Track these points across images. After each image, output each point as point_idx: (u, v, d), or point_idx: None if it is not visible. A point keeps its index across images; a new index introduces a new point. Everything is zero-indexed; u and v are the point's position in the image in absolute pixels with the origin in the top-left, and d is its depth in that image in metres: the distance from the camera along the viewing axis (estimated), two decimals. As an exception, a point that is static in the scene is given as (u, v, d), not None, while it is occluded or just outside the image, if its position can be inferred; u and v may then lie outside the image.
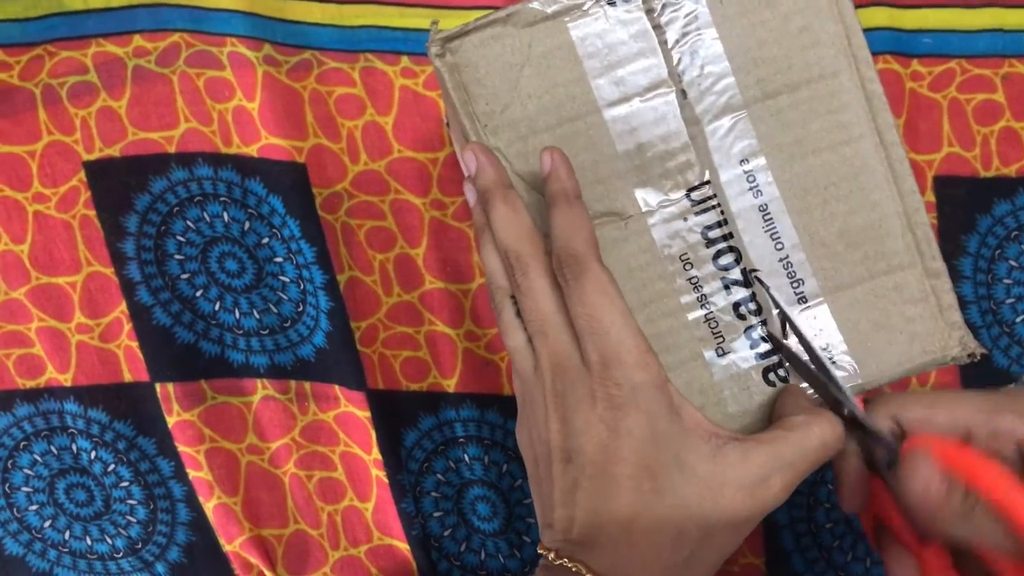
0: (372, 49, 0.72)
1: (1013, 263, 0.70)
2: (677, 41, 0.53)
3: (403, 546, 0.74)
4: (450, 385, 0.73)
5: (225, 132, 0.72)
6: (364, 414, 0.72)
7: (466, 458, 0.73)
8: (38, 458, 0.75)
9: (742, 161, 0.54)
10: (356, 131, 0.72)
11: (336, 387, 0.73)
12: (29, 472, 0.75)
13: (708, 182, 0.54)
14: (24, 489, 0.75)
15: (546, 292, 0.50)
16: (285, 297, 0.73)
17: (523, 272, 0.50)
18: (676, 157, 0.53)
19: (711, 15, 0.53)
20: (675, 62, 0.53)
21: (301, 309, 0.73)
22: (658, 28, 0.53)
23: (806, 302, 0.54)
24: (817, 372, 0.53)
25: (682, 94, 0.53)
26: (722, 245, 0.54)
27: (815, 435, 0.49)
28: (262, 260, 0.73)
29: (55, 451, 0.75)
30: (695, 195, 0.54)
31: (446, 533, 0.74)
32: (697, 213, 0.54)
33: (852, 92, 0.53)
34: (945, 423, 0.49)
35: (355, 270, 0.72)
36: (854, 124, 0.53)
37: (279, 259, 0.72)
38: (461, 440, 0.73)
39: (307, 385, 0.74)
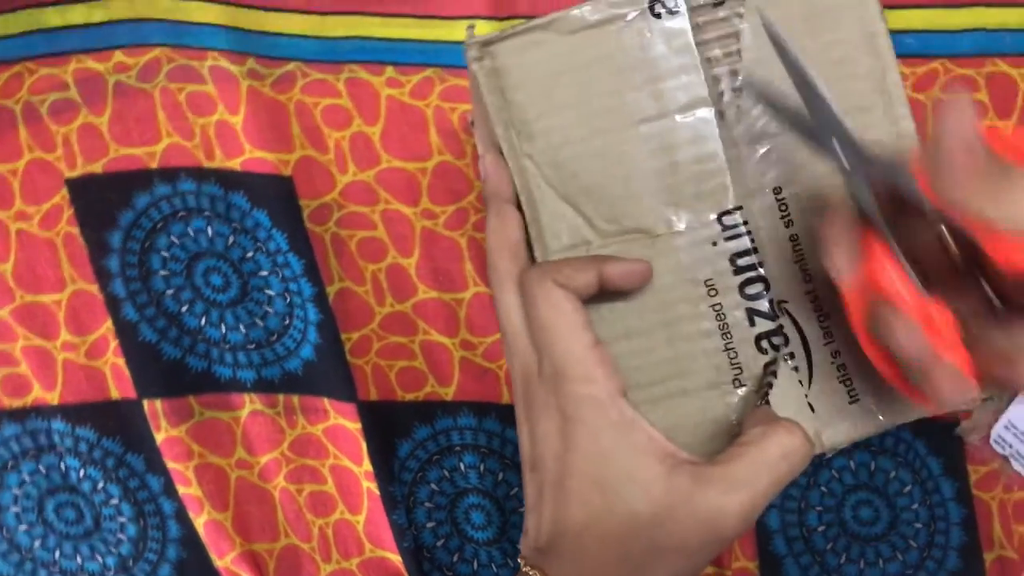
0: (356, 60, 0.71)
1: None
2: (718, 60, 0.52)
3: (395, 558, 0.74)
4: (448, 393, 0.73)
5: (207, 146, 0.71)
6: (354, 426, 0.72)
7: (461, 467, 0.73)
8: (26, 478, 0.74)
9: (775, 189, 0.53)
10: (343, 142, 0.71)
11: (324, 399, 0.73)
12: (17, 492, 0.75)
13: (740, 208, 0.53)
14: (13, 509, 0.75)
15: (514, 307, 0.51)
16: (271, 311, 0.73)
17: (498, 286, 0.51)
18: (711, 179, 0.53)
19: (753, 38, 0.52)
20: (714, 81, 0.53)
21: (288, 322, 0.72)
22: (701, 44, 0.52)
23: (831, 338, 0.54)
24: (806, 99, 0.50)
25: (719, 115, 0.53)
26: (751, 274, 0.53)
27: (773, 445, 0.47)
28: (247, 274, 0.72)
29: (43, 470, 0.74)
30: (727, 220, 0.53)
31: (439, 543, 0.74)
32: (727, 239, 0.53)
33: (884, 128, 0.53)
34: None
35: (346, 281, 0.72)
36: None
37: (264, 273, 0.72)
38: (457, 448, 0.73)
39: (295, 399, 0.74)
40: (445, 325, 0.72)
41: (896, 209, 0.47)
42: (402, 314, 0.72)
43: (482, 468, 0.73)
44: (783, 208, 0.53)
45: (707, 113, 0.52)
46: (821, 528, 0.72)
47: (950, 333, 0.46)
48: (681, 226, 0.53)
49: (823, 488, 0.72)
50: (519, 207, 0.53)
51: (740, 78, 0.52)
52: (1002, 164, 0.41)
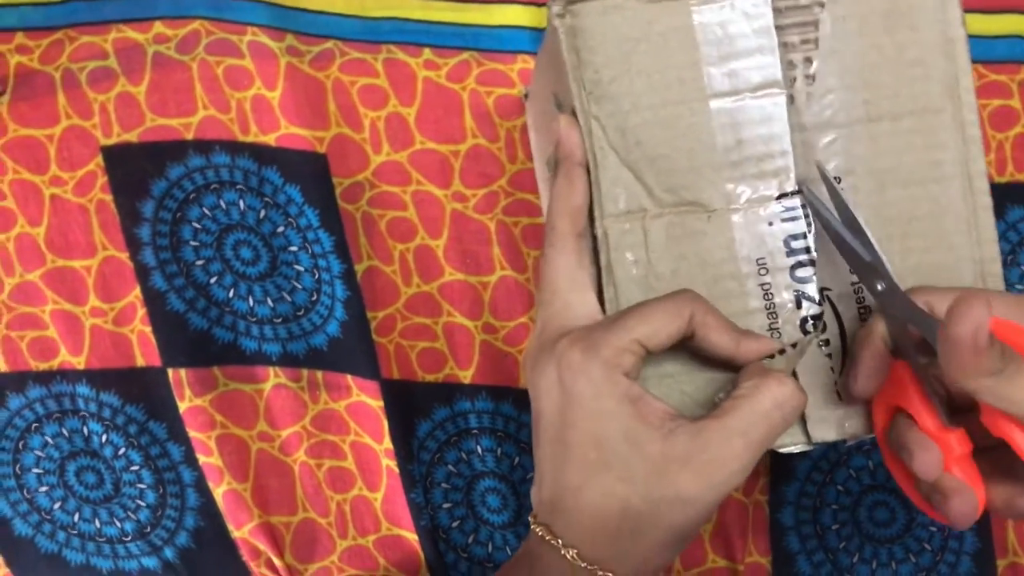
0: (394, 41, 0.72)
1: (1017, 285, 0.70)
2: (795, 46, 0.52)
3: (411, 536, 0.75)
4: (466, 376, 0.73)
5: (243, 120, 0.72)
6: (377, 403, 0.73)
7: (479, 450, 0.74)
8: (49, 440, 0.75)
9: (835, 179, 0.53)
10: (379, 122, 0.72)
11: (348, 376, 0.73)
12: (40, 454, 0.75)
13: (800, 191, 0.53)
14: (35, 471, 0.76)
15: (558, 267, 0.52)
16: (299, 286, 0.73)
17: (550, 243, 0.53)
18: (774, 160, 0.53)
19: (832, 28, 0.52)
20: (789, 66, 0.52)
21: (315, 298, 0.73)
22: (780, 28, 0.52)
23: None
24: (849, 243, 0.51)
25: (790, 99, 0.52)
26: (803, 257, 0.53)
27: (766, 396, 0.48)
28: (277, 249, 0.73)
29: (66, 433, 0.75)
30: (786, 202, 0.53)
31: (454, 524, 0.75)
32: (784, 220, 0.53)
33: (951, 132, 0.53)
34: None
35: (375, 259, 0.72)
36: (947, 164, 0.53)
37: (294, 248, 0.73)
38: (475, 431, 0.74)
39: (319, 374, 0.74)
40: (469, 308, 0.73)
41: (927, 345, 0.48)
42: (428, 295, 0.73)
43: (499, 452, 0.74)
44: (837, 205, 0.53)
45: (779, 96, 0.52)
46: (835, 527, 0.72)
47: (965, 457, 0.47)
48: (739, 203, 0.53)
49: (839, 487, 0.72)
50: (588, 171, 0.53)
51: (814, 67, 0.53)
52: (1006, 356, 0.42)
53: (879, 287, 0.50)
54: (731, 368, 0.52)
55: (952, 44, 0.53)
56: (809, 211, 0.53)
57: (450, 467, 0.74)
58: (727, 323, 0.50)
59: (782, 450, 0.53)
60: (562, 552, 0.49)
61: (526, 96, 0.70)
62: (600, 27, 0.52)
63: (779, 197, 0.53)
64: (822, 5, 0.52)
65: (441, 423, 0.74)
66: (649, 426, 0.48)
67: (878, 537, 0.72)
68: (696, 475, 0.47)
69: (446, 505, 0.74)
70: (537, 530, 0.50)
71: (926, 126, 0.53)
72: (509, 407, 0.73)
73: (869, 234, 0.51)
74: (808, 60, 0.53)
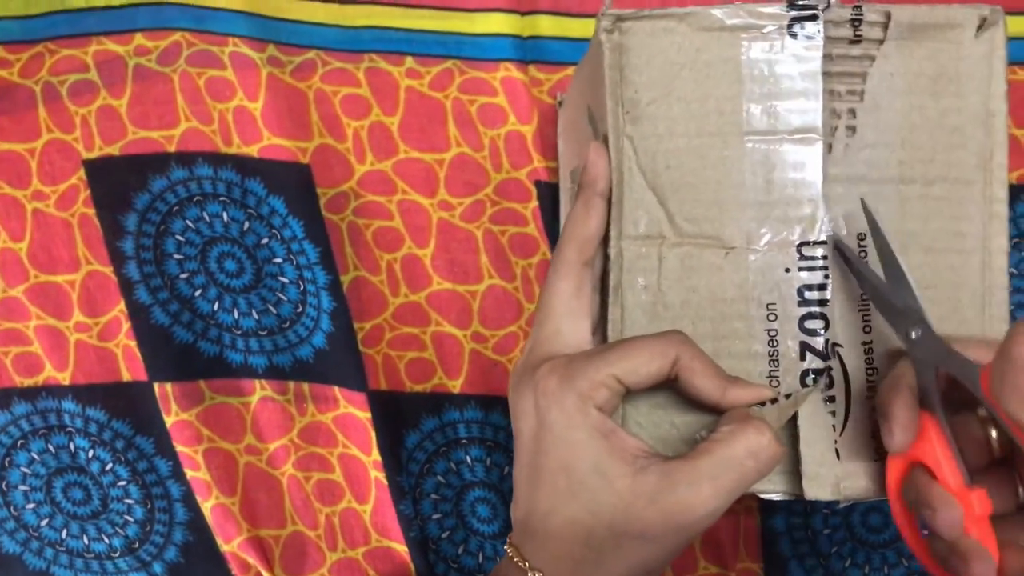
0: (376, 50, 0.72)
1: (1013, 271, 0.70)
2: (840, 95, 0.52)
3: (401, 548, 0.74)
4: (455, 386, 0.73)
5: (225, 132, 0.72)
6: (364, 415, 0.72)
7: (468, 460, 0.73)
8: (35, 456, 0.75)
9: (860, 235, 0.52)
10: (362, 131, 0.71)
11: (335, 388, 0.73)
12: (26, 470, 0.75)
13: (824, 243, 0.52)
14: (21, 487, 0.75)
15: (557, 292, 0.52)
16: (284, 298, 0.73)
17: (554, 268, 0.52)
18: (801, 207, 0.52)
19: (879, 83, 0.52)
20: (831, 115, 0.52)
21: (300, 310, 0.73)
22: (827, 76, 0.51)
23: (874, 393, 0.52)
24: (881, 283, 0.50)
25: (827, 148, 0.52)
26: (814, 309, 0.52)
27: (740, 443, 0.47)
28: (261, 261, 0.72)
29: (53, 449, 0.74)
30: (806, 251, 0.52)
31: (444, 535, 0.74)
32: (801, 269, 0.52)
33: (979, 205, 0.52)
34: None
35: (361, 270, 0.72)
36: (970, 237, 0.52)
37: (278, 260, 0.72)
38: (464, 441, 0.73)
39: (305, 386, 0.74)
40: (458, 317, 0.72)
41: (950, 393, 0.47)
42: (416, 305, 0.72)
43: (488, 462, 0.73)
44: (862, 256, 0.52)
45: (816, 143, 0.52)
46: (827, 531, 0.72)
47: (984, 518, 0.46)
48: (759, 245, 0.52)
49: (830, 491, 0.72)
50: (608, 202, 0.53)
51: (856, 119, 0.52)
52: None
53: (913, 334, 0.48)
54: (721, 411, 0.51)
55: (992, 117, 0.52)
56: (829, 263, 0.52)
57: (439, 478, 0.74)
58: (714, 369, 0.50)
59: (764, 496, 0.52)
60: (528, 575, 0.49)
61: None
62: (647, 48, 0.52)
63: (801, 245, 0.52)
64: (873, 59, 0.52)
65: (430, 434, 0.73)
66: (620, 461, 0.48)
67: (871, 542, 0.72)
68: (661, 515, 0.47)
69: (436, 516, 0.74)
70: (508, 551, 0.50)
71: (955, 195, 0.52)
72: (498, 416, 0.73)
73: (909, 277, 0.50)
74: (852, 112, 0.52)
